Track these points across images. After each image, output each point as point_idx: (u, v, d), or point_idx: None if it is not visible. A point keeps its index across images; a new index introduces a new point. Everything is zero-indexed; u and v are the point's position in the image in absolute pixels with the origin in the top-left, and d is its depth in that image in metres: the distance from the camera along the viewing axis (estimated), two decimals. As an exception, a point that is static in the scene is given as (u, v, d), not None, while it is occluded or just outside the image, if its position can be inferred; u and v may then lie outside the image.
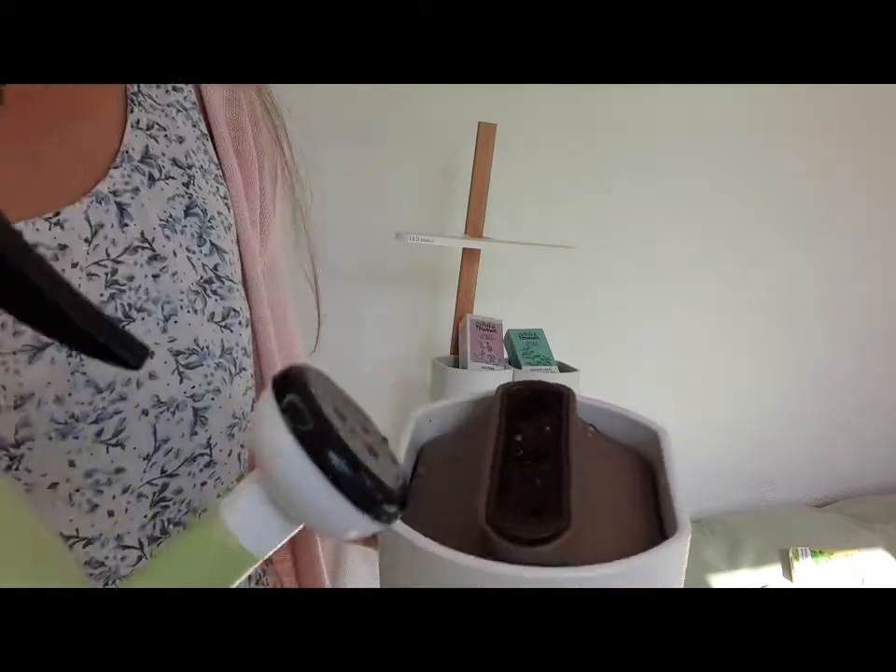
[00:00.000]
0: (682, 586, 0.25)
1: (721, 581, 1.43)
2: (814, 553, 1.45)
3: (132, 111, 0.41)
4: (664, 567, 0.24)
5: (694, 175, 1.50)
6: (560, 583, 0.22)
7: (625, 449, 0.31)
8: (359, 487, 0.22)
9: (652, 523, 0.26)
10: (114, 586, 0.38)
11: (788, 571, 1.45)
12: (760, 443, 1.75)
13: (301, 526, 0.24)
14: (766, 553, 1.49)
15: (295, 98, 0.51)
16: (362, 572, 0.99)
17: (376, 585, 0.28)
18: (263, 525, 0.23)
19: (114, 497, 0.37)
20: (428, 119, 1.25)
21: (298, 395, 0.22)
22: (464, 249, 1.09)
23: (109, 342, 0.21)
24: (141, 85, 0.43)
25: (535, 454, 0.27)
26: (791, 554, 1.46)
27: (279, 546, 0.24)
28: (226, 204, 0.46)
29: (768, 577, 1.44)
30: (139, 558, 0.39)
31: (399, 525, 0.24)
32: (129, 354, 0.22)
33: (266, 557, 0.24)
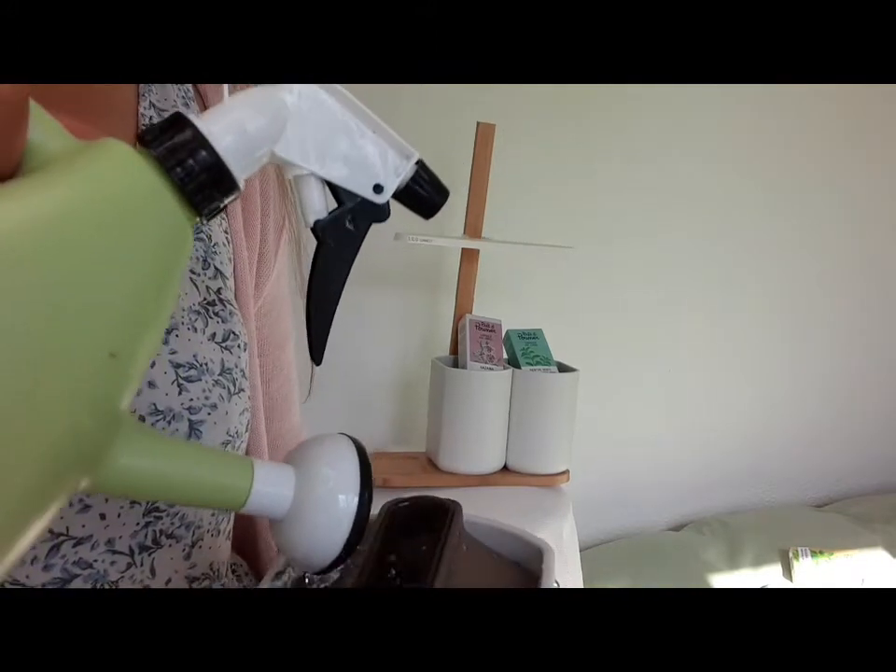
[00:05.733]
0: None
1: (721, 580, 1.43)
2: (814, 553, 1.45)
3: None
4: None
5: (696, 177, 1.50)
6: None
7: (512, 565, 0.31)
8: (352, 546, 0.26)
9: None
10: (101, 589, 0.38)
11: (788, 571, 1.45)
12: (760, 443, 1.75)
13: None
14: (766, 553, 1.49)
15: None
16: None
17: None
18: (274, 491, 0.28)
19: (106, 501, 0.37)
20: (427, 118, 1.25)
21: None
22: (463, 249, 1.09)
23: (317, 335, 0.29)
24: (153, 114, 0.43)
25: (407, 574, 0.27)
26: (790, 554, 1.46)
27: (258, 514, 0.29)
28: (227, 238, 0.47)
29: (768, 577, 1.44)
30: (129, 565, 0.39)
31: None
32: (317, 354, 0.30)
33: (241, 511, 0.29)
